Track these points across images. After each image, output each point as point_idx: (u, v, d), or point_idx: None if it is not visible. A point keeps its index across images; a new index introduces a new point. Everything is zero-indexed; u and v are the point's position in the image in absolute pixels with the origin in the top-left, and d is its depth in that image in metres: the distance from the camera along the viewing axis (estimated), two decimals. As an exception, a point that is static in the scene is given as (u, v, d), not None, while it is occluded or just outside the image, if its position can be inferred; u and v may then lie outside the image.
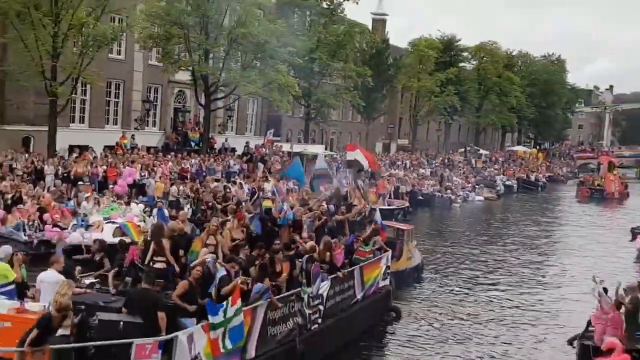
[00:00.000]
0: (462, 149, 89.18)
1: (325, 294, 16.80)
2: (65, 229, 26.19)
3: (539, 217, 53.34)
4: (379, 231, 22.49)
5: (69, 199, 28.79)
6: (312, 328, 16.25)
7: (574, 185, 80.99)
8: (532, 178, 79.84)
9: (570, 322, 21.12)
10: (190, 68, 42.19)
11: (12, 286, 13.34)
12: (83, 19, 34.34)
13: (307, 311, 15.98)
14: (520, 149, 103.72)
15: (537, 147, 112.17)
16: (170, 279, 14.42)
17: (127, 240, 17.84)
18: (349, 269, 18.83)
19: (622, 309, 18.02)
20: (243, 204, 24.23)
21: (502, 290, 26.84)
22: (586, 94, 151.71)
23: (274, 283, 15.19)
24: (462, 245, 37.27)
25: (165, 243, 14.89)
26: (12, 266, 13.74)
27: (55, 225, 26.31)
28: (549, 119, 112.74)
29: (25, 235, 25.27)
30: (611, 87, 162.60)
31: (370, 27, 75.38)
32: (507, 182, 72.49)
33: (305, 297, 15.87)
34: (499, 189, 68.29)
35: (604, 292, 18.62)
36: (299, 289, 15.74)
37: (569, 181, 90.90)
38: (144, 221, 27.18)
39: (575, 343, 18.63)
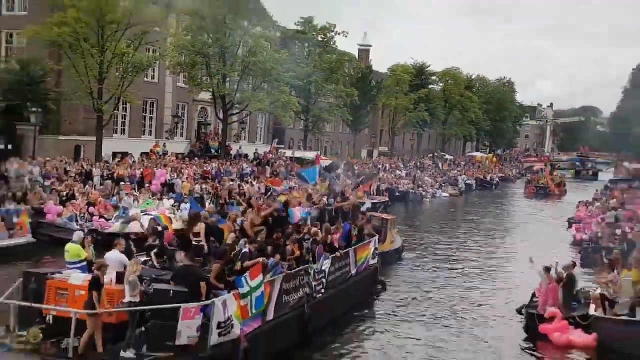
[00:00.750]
0: (431, 155, 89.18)
1: (327, 270, 17.14)
2: (109, 220, 26.18)
3: (493, 210, 53.41)
4: (369, 220, 22.92)
5: (113, 196, 28.71)
6: (317, 297, 16.52)
7: (522, 184, 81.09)
8: (488, 178, 79.80)
9: (519, 295, 21.01)
10: (211, 89, 42.24)
11: (84, 263, 13.94)
12: (124, 50, 34.40)
13: (313, 283, 16.30)
14: (478, 154, 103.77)
15: (492, 153, 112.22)
16: (205, 256, 14.78)
17: (159, 228, 17.83)
18: (345, 250, 19.07)
19: (561, 284, 18.12)
20: (262, 198, 24.13)
21: (466, 268, 26.97)
22: (531, 110, 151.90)
23: (287, 262, 15.41)
24: (433, 232, 37.40)
25: (201, 228, 15.40)
26: (83, 247, 14.30)
27: (101, 217, 26.28)
28: (501, 130, 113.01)
29: (77, 225, 25.12)
30: (551, 104, 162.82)
31: (357, 56, 75.53)
32: (468, 182, 72.47)
33: (312, 272, 16.23)
34: (461, 187, 68.24)
35: (545, 270, 18.70)
36: (307, 265, 16.11)
37: (518, 180, 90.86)
38: (174, 213, 27.21)
39: (524, 312, 18.68)
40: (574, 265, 20.42)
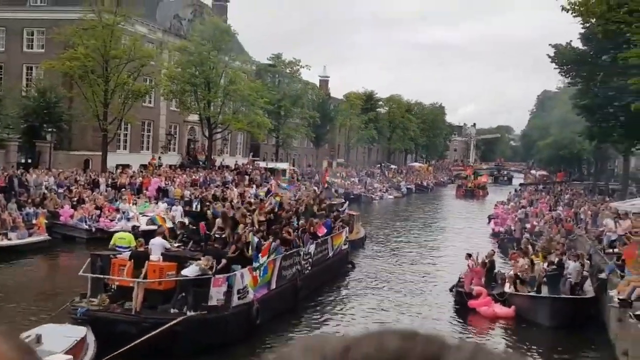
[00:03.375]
0: (379, 165, 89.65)
1: (312, 252, 18.58)
2: (112, 220, 25.76)
3: (430, 208, 53.90)
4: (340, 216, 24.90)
5: (116, 201, 28.26)
6: (305, 272, 17.79)
7: (452, 187, 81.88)
8: (424, 183, 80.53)
9: (450, 277, 21.24)
10: (198, 112, 41.87)
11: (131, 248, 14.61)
12: (125, 80, 33.93)
13: (303, 262, 17.66)
14: (416, 164, 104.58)
15: (427, 163, 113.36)
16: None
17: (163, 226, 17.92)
18: (324, 237, 20.32)
19: (484, 267, 18.34)
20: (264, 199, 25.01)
21: (411, 253, 27.74)
22: (458, 128, 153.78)
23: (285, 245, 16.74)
24: (383, 226, 37.83)
25: (221, 222, 16.36)
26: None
27: (106, 219, 25.87)
28: (434, 144, 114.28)
29: (86, 225, 24.87)
30: (474, 124, 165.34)
31: (318, 85, 75.62)
32: (408, 186, 72.98)
33: (302, 253, 17.69)
34: (403, 190, 68.71)
35: (467, 256, 18.96)
36: (298, 248, 17.59)
37: (448, 185, 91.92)
38: (167, 214, 26.95)
39: (454, 290, 18.83)
40: (494, 253, 20.73)
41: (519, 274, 17.54)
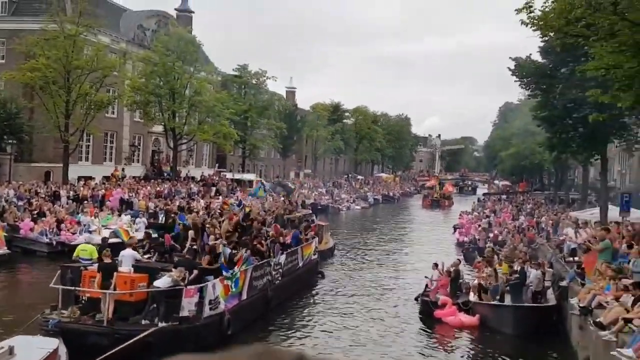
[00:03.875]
0: (346, 176, 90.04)
1: (282, 263, 18.76)
2: (74, 234, 25.17)
3: (397, 219, 54.26)
4: (313, 227, 25.27)
5: (78, 213, 27.64)
6: (276, 282, 17.92)
7: (419, 197, 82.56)
8: (391, 194, 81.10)
9: (417, 286, 21.35)
10: (163, 123, 41.36)
11: (93, 260, 14.89)
12: (87, 90, 33.37)
13: (273, 272, 17.75)
14: (383, 175, 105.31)
15: (394, 173, 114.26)
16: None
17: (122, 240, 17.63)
18: (294, 248, 20.61)
19: (449, 277, 18.48)
20: (236, 210, 25.39)
21: (379, 263, 28.05)
22: (424, 139, 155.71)
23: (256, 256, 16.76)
24: (351, 236, 37.97)
25: (193, 233, 16.74)
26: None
27: (68, 232, 25.26)
28: (400, 155, 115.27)
29: (47, 238, 24.27)
30: (439, 135, 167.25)
31: (285, 96, 75.67)
32: (375, 197, 73.38)
33: (272, 263, 17.76)
34: (370, 201, 69.06)
35: (434, 266, 19.12)
36: (269, 259, 17.58)
37: (415, 195, 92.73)
38: (130, 227, 26.51)
39: (419, 299, 18.92)
40: (459, 262, 20.93)
41: (482, 283, 17.73)
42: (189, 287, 12.87)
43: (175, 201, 33.63)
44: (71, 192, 30.79)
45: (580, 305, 13.52)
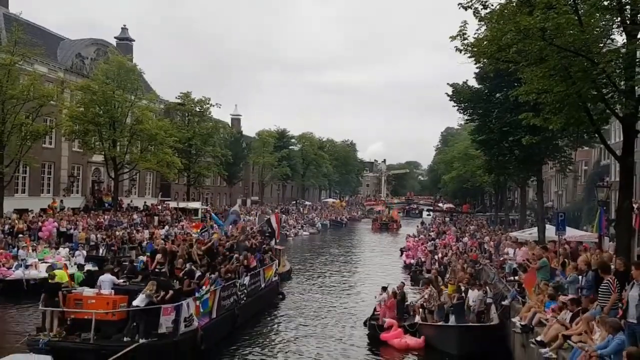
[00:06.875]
0: (294, 201, 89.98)
1: (247, 284, 20.23)
2: (10, 268, 24.02)
3: (345, 243, 54.52)
4: (273, 252, 27.08)
5: (13, 247, 26.41)
6: (242, 302, 19.40)
7: (367, 222, 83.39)
8: (339, 219, 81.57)
9: (365, 310, 21.49)
10: (103, 152, 40.30)
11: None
12: (22, 120, 32.18)
13: (239, 293, 19.23)
14: (330, 200, 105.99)
15: (341, 199, 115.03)
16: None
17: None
18: (257, 270, 22.22)
19: (395, 299, 18.57)
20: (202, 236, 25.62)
21: (331, 287, 28.79)
22: (370, 164, 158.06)
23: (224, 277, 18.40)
24: (301, 262, 38.07)
25: (162, 258, 17.32)
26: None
27: (3, 267, 24.07)
28: (347, 180, 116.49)
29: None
30: (384, 160, 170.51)
31: (230, 123, 75.33)
32: (323, 222, 73.72)
33: (238, 285, 19.26)
34: (318, 226, 69.29)
35: (382, 289, 19.20)
36: (235, 280, 19.08)
37: (363, 219, 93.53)
38: (69, 260, 25.57)
39: (367, 323, 18.94)
40: (403, 285, 21.14)
41: (424, 304, 17.92)
42: (165, 305, 13.88)
43: (116, 232, 32.71)
44: (6, 226, 29.41)
45: (522, 323, 13.78)
